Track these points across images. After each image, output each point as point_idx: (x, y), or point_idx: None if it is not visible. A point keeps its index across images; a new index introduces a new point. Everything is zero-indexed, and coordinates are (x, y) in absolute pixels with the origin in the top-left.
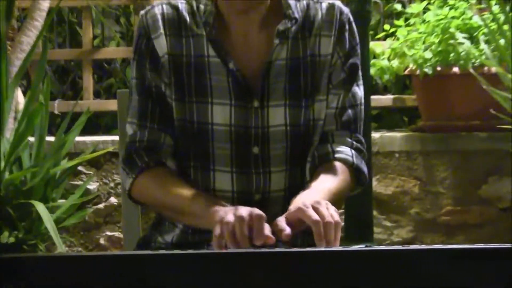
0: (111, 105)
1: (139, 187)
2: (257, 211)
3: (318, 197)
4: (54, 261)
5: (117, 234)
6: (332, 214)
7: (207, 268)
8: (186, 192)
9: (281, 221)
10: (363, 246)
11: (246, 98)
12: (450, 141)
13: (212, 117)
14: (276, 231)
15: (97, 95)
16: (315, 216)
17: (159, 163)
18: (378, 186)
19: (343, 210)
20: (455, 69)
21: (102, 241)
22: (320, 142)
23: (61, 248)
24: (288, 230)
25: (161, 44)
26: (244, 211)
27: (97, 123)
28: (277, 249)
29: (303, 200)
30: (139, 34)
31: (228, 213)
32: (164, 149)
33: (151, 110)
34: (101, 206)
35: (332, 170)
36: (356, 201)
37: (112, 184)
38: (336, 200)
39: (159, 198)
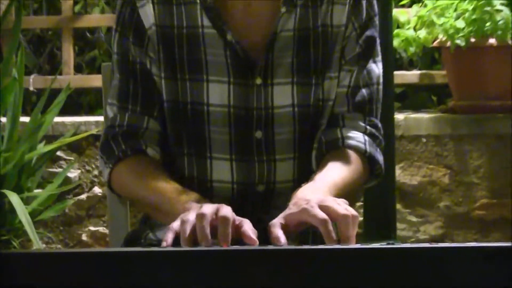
0: (95, 81)
1: (116, 178)
2: (224, 211)
3: (323, 191)
4: (30, 258)
5: (101, 229)
6: (346, 207)
7: (204, 267)
8: (162, 186)
9: (276, 226)
10: (385, 244)
11: (247, 74)
12: (485, 123)
13: (208, 97)
14: (271, 238)
15: (78, 69)
16: (321, 215)
17: (138, 151)
18: (402, 175)
19: (361, 203)
20: (492, 41)
21: (84, 237)
22: (329, 125)
23: (37, 244)
24: (282, 239)
25: (148, 14)
26: (208, 209)
27: (79, 102)
28: (283, 247)
29: (305, 195)
30: (122, 1)
31: (191, 211)
32: (146, 135)
33: (133, 90)
34: (83, 197)
35: (341, 159)
36: (376, 193)
37: (95, 172)
38: (345, 194)
39: (134, 191)
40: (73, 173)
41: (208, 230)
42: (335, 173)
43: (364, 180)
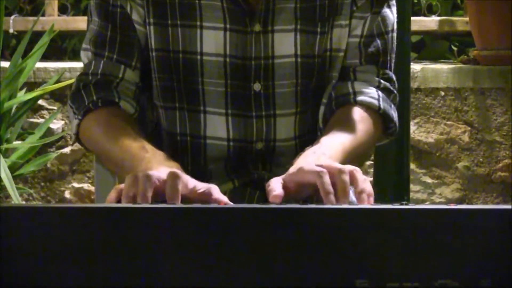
0: (80, 23)
1: (84, 130)
2: (175, 172)
3: (329, 158)
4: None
5: (86, 186)
6: (364, 179)
7: (200, 224)
8: (128, 141)
9: (276, 181)
10: (398, 204)
11: (245, 20)
12: (510, 76)
13: (202, 45)
14: (267, 191)
15: (63, 10)
16: (318, 168)
17: (110, 103)
18: (418, 132)
19: (371, 162)
20: None
21: (67, 194)
22: (339, 79)
23: (17, 201)
24: (278, 191)
25: None
26: (160, 173)
27: (63, 46)
28: (285, 205)
29: (308, 160)
30: None
31: (142, 170)
32: (121, 86)
33: (111, 36)
34: (66, 150)
35: (351, 118)
36: (389, 152)
37: None
38: (354, 159)
39: (99, 144)
40: (56, 124)
41: (149, 193)
42: (344, 135)
43: (375, 140)
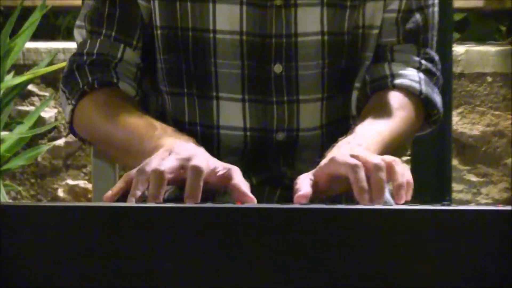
0: None
1: (78, 116)
2: (197, 160)
3: (367, 147)
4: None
5: (82, 183)
6: (384, 158)
7: (211, 225)
8: (133, 120)
9: (304, 178)
10: (438, 205)
11: None
12: None
13: (215, 21)
14: (294, 190)
15: None
16: (352, 160)
17: (108, 84)
18: (461, 123)
19: (408, 157)
20: None
21: (60, 192)
22: (374, 61)
23: (3, 199)
24: (305, 190)
25: None
26: (172, 161)
27: (56, 24)
28: (308, 205)
29: (342, 152)
30: None
31: (155, 157)
32: (120, 67)
33: (109, 11)
34: (60, 142)
35: (389, 103)
36: (428, 145)
37: None
38: (394, 149)
39: (97, 128)
40: (48, 113)
41: (161, 196)
42: (381, 124)
43: (417, 128)
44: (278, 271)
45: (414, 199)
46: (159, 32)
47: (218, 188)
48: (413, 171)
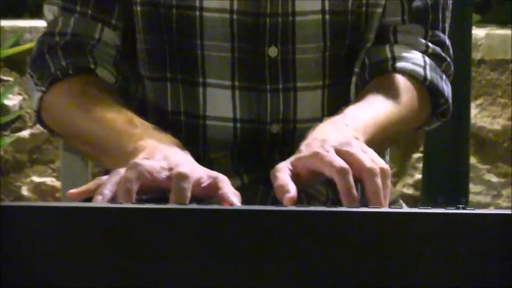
0: None
1: (48, 106)
2: (183, 167)
3: (354, 130)
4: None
5: (49, 180)
6: (374, 158)
7: (209, 227)
8: (111, 114)
9: (283, 171)
10: (453, 208)
11: None
12: None
13: None
14: (274, 186)
15: None
16: (339, 162)
17: (84, 70)
18: (480, 117)
19: (420, 154)
20: None
21: (25, 190)
22: (376, 42)
23: None
24: (292, 191)
25: None
26: (153, 163)
27: (23, 1)
28: (298, 207)
29: (325, 134)
30: None
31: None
32: (97, 49)
33: None
34: (25, 134)
35: (389, 86)
36: (442, 141)
37: None
38: (390, 138)
39: (70, 120)
40: (12, 100)
41: (133, 195)
42: (376, 106)
43: (422, 120)
44: (277, 274)
45: (426, 202)
46: (139, 8)
47: (204, 199)
48: (426, 170)
